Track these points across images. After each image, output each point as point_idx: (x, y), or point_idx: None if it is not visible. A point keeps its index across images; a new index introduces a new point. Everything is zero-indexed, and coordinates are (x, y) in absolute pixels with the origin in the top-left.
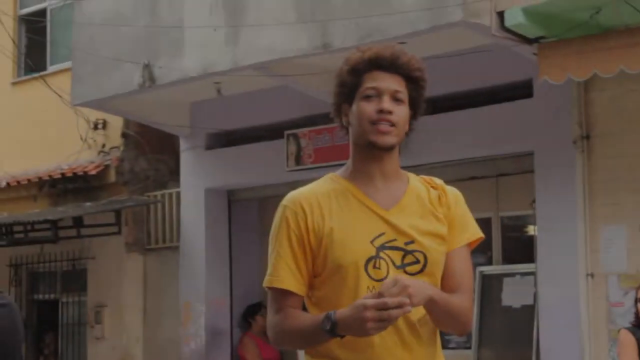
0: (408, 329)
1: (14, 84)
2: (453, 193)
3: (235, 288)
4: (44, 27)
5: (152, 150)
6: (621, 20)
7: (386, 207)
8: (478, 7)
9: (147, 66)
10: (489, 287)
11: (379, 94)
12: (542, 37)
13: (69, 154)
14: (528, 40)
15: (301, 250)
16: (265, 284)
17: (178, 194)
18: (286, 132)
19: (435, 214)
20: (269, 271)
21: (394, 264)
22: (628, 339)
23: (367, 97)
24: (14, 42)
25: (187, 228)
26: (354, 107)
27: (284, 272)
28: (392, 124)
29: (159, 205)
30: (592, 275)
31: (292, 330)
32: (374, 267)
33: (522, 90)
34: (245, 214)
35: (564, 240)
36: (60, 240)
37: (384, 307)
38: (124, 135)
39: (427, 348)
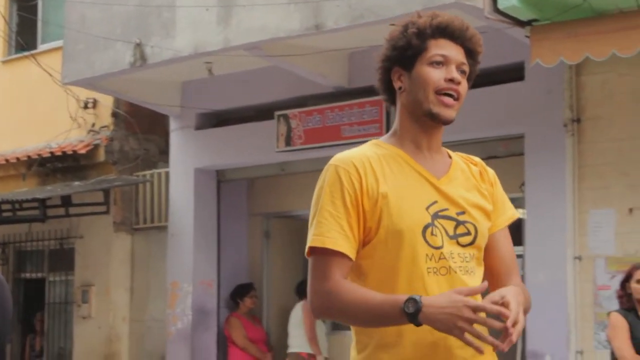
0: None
1: (4, 62)
2: (492, 171)
3: (222, 268)
4: (35, 6)
5: (141, 130)
6: (614, 3)
7: (437, 176)
8: None
9: (138, 45)
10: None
11: (447, 62)
12: (534, 20)
13: (59, 132)
14: (521, 23)
15: (356, 213)
16: (313, 243)
17: (167, 174)
18: (276, 113)
19: (479, 189)
20: (316, 231)
21: (447, 233)
22: (620, 321)
23: (435, 64)
24: (5, 20)
25: (175, 208)
26: (416, 72)
27: (337, 234)
28: (457, 97)
29: (148, 184)
30: (579, 259)
31: (353, 305)
32: (432, 234)
33: (514, 73)
34: (235, 195)
35: (552, 223)
36: (48, 219)
37: (483, 310)
38: (114, 114)
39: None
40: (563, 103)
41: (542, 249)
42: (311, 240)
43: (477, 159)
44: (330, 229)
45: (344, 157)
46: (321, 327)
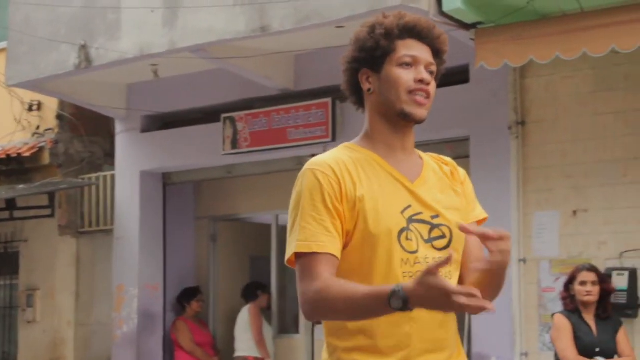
0: None
1: None
2: (462, 171)
3: (169, 271)
4: None
5: (87, 133)
6: (557, 6)
7: (411, 180)
8: None
9: (83, 47)
10: None
11: (415, 63)
12: (479, 23)
13: (3, 135)
14: (465, 26)
15: (337, 214)
16: (300, 249)
17: (113, 177)
18: (223, 116)
19: (454, 189)
20: (301, 236)
21: (422, 237)
22: (564, 322)
23: (404, 65)
24: None
25: (121, 211)
26: (385, 73)
27: (323, 237)
28: (427, 96)
29: (94, 188)
30: (524, 261)
31: (341, 300)
32: (407, 238)
33: (459, 76)
34: (181, 198)
35: (497, 225)
36: None
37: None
38: (59, 117)
39: (454, 327)
40: (508, 105)
41: (487, 251)
42: (296, 246)
43: (448, 159)
44: (315, 233)
45: (320, 161)
46: (268, 330)
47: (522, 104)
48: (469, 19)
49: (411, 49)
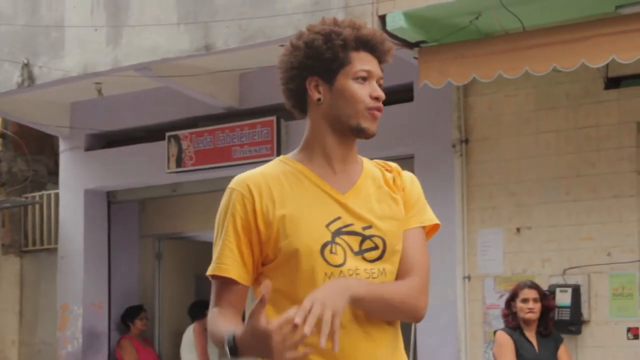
0: (367, 319)
1: None
2: (409, 175)
3: (113, 290)
4: None
5: (30, 151)
6: (500, 25)
7: (342, 191)
8: (360, 10)
9: (26, 65)
10: None
11: (369, 77)
12: (422, 42)
13: None
14: (409, 45)
15: (247, 236)
16: (208, 272)
17: (57, 195)
18: (167, 134)
19: (392, 196)
20: (213, 258)
21: (351, 249)
22: (506, 339)
23: (359, 79)
24: None
25: (65, 230)
26: (339, 86)
27: (227, 260)
28: (380, 111)
29: (37, 206)
30: (469, 278)
31: (212, 334)
32: (331, 252)
33: (403, 94)
34: (125, 216)
35: (441, 243)
36: None
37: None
38: (2, 135)
39: (389, 335)
40: (451, 124)
41: (432, 269)
42: (209, 269)
43: (393, 165)
44: (221, 256)
45: (240, 180)
46: (213, 349)
47: (466, 122)
48: (413, 37)
49: (365, 62)
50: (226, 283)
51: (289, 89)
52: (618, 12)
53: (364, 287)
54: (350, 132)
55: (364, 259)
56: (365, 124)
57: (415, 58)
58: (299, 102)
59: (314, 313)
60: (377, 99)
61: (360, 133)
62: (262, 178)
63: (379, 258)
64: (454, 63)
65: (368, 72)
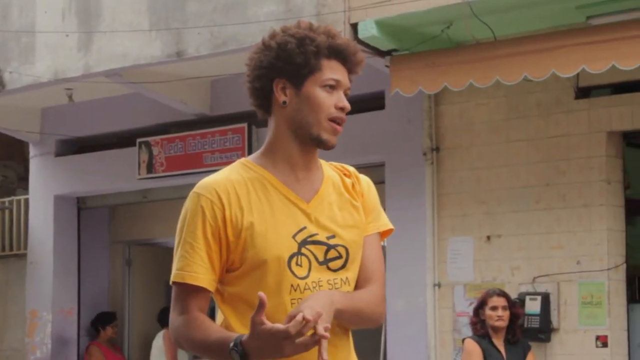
0: (333, 330)
1: None
2: (366, 180)
3: (83, 296)
4: None
5: (0, 157)
6: (471, 35)
7: (306, 199)
8: (332, 18)
9: None
10: None
11: (337, 87)
12: (394, 50)
13: None
14: (381, 53)
15: (217, 244)
16: (175, 278)
17: (26, 201)
18: (138, 140)
19: (353, 204)
20: (178, 265)
21: (317, 259)
22: (474, 348)
23: (327, 88)
24: None
25: (35, 235)
26: (307, 92)
27: (198, 267)
28: (342, 123)
29: (7, 212)
30: (439, 285)
31: (197, 342)
32: (297, 264)
33: (374, 102)
34: (96, 222)
35: (412, 250)
36: None
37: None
38: None
39: (345, 340)
40: (422, 132)
41: (402, 276)
42: (173, 275)
43: (351, 169)
44: (190, 263)
45: (207, 185)
46: (183, 356)
47: (437, 131)
48: (384, 46)
49: (335, 71)
50: (195, 290)
51: (255, 87)
52: (589, 23)
53: (344, 301)
54: (311, 141)
55: (329, 268)
56: (326, 136)
57: (386, 66)
58: (264, 102)
59: (315, 320)
60: (342, 109)
61: (320, 144)
62: (229, 184)
63: (343, 267)
64: (426, 72)
65: (337, 81)
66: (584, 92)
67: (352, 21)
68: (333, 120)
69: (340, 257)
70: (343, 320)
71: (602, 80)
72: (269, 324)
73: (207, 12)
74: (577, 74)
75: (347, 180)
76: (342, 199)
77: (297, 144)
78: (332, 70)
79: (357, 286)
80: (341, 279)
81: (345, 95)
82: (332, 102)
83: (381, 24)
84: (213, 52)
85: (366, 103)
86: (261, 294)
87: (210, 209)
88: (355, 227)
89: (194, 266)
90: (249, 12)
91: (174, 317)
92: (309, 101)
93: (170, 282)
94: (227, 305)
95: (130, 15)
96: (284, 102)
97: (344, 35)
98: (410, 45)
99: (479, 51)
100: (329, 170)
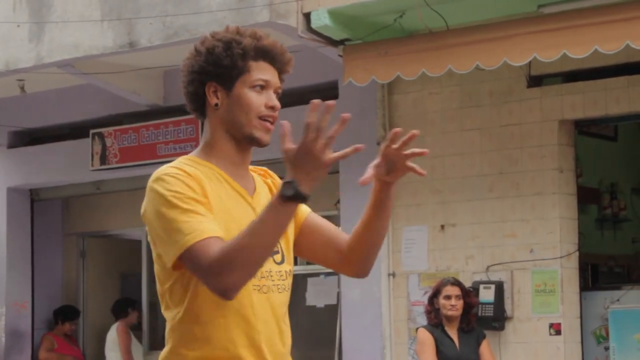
0: (283, 319)
1: None
2: (278, 179)
3: (37, 289)
4: None
5: None
6: (424, 24)
7: (250, 194)
8: (285, 8)
9: None
10: (294, 287)
11: (267, 87)
12: (347, 40)
13: None
14: (334, 42)
15: (206, 199)
16: (193, 240)
17: None
18: (91, 131)
19: None
20: (187, 231)
21: None
22: (426, 337)
23: (256, 88)
24: None
25: None
26: (237, 93)
27: (211, 224)
28: (274, 122)
29: None
30: (393, 275)
31: (249, 238)
32: None
33: (328, 92)
34: (49, 214)
35: None
36: None
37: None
38: None
39: (288, 328)
40: (376, 121)
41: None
42: (187, 240)
43: (265, 170)
44: (201, 221)
45: (170, 168)
46: (138, 348)
47: (390, 120)
48: (337, 35)
49: (264, 72)
50: (211, 239)
51: (189, 92)
52: (540, 12)
53: None
54: (244, 140)
55: (274, 261)
56: (258, 134)
57: (339, 56)
58: (199, 105)
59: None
60: (272, 108)
61: (253, 142)
62: (189, 170)
63: (282, 261)
64: (378, 61)
65: (266, 81)
66: (536, 80)
67: (305, 11)
68: (263, 118)
69: (278, 251)
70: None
71: (553, 69)
72: (292, 144)
73: (159, 3)
74: (529, 63)
75: (269, 181)
76: (269, 198)
77: (233, 143)
78: (261, 71)
79: (336, 240)
80: (285, 271)
81: (277, 94)
82: (262, 101)
83: (334, 14)
84: (165, 43)
85: (319, 93)
86: (284, 122)
87: (189, 179)
88: None
89: (206, 224)
90: (201, 2)
91: (207, 264)
92: (239, 102)
93: (172, 260)
94: (193, 288)
95: (81, 6)
96: (216, 105)
97: (296, 25)
98: (363, 35)
99: (432, 40)
100: (253, 171)
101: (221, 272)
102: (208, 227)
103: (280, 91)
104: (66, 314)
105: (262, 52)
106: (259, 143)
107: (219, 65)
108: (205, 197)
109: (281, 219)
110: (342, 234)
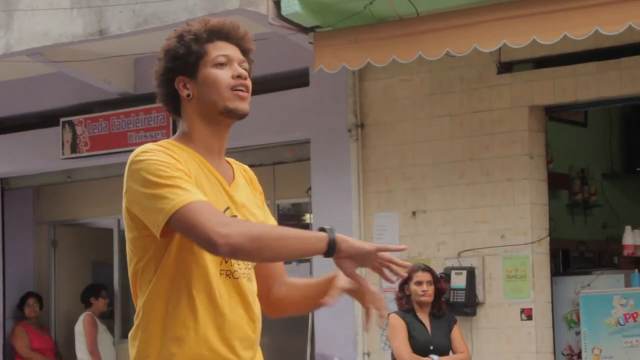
0: (254, 304)
1: None
2: (255, 176)
3: (8, 278)
4: None
5: None
6: (394, 11)
7: (228, 182)
8: None
9: None
10: None
11: (229, 62)
12: (317, 26)
13: None
14: (304, 29)
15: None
16: (185, 202)
17: None
18: (62, 120)
19: (256, 196)
20: (176, 196)
21: None
22: (398, 322)
23: (219, 65)
24: None
25: None
26: (202, 76)
27: (195, 192)
28: (247, 90)
29: None
30: None
31: (283, 232)
32: None
33: (298, 79)
34: (20, 203)
35: (338, 226)
36: None
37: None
38: None
39: (258, 326)
40: (347, 108)
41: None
42: (177, 203)
43: (245, 166)
44: (189, 189)
45: (150, 144)
46: (107, 337)
47: (361, 107)
48: (308, 22)
49: (221, 49)
50: (210, 205)
51: (162, 95)
52: None
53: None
54: (222, 116)
55: None
56: (233, 104)
57: (310, 43)
58: (175, 104)
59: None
60: (239, 77)
61: (231, 114)
62: (169, 150)
63: None
64: (349, 48)
65: (226, 56)
66: (506, 67)
67: None
68: (234, 88)
69: None
70: None
71: (523, 55)
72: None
73: None
74: (499, 49)
75: (246, 175)
76: (249, 190)
77: (210, 129)
78: (218, 49)
79: (274, 279)
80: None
81: (245, 69)
82: (228, 75)
83: (304, 1)
84: (135, 30)
85: (290, 80)
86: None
87: (169, 155)
88: (260, 215)
89: (195, 192)
90: None
91: (223, 230)
92: (206, 82)
93: (160, 227)
94: (162, 267)
95: None
96: (188, 95)
97: (267, 12)
98: (334, 22)
99: (402, 27)
100: (232, 162)
101: (234, 232)
102: (195, 192)
103: (246, 65)
104: (24, 299)
105: (214, 32)
106: (236, 113)
107: (177, 58)
108: (189, 175)
109: (307, 252)
110: (283, 277)
